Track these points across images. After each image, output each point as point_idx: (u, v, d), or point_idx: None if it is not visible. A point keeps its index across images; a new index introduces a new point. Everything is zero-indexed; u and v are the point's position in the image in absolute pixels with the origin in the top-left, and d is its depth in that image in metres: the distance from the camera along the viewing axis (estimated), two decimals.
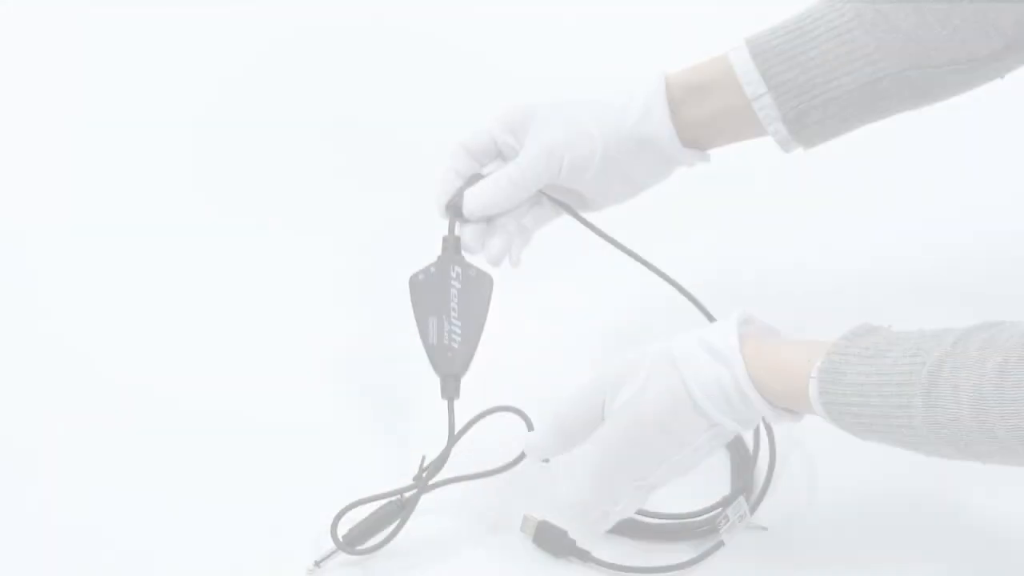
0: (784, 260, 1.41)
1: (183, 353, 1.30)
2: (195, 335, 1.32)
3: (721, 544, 1.12)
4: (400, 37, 1.66)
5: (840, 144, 1.15)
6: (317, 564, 1.09)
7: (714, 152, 1.17)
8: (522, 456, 1.12)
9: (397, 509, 1.11)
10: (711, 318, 1.18)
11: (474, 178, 1.15)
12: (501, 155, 1.17)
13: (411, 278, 1.14)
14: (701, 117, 1.13)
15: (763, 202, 1.46)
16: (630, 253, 1.18)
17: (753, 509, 1.14)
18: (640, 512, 1.12)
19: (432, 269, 1.14)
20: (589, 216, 1.18)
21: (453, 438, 1.11)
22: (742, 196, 1.45)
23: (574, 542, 1.12)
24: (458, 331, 1.12)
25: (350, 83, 1.61)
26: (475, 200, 1.14)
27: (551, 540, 1.12)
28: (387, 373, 1.27)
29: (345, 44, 1.66)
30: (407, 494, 1.11)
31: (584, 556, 1.11)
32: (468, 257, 1.15)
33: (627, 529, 1.13)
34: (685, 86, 1.13)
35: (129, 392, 1.25)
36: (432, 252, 1.16)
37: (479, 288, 1.13)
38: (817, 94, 1.09)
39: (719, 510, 1.13)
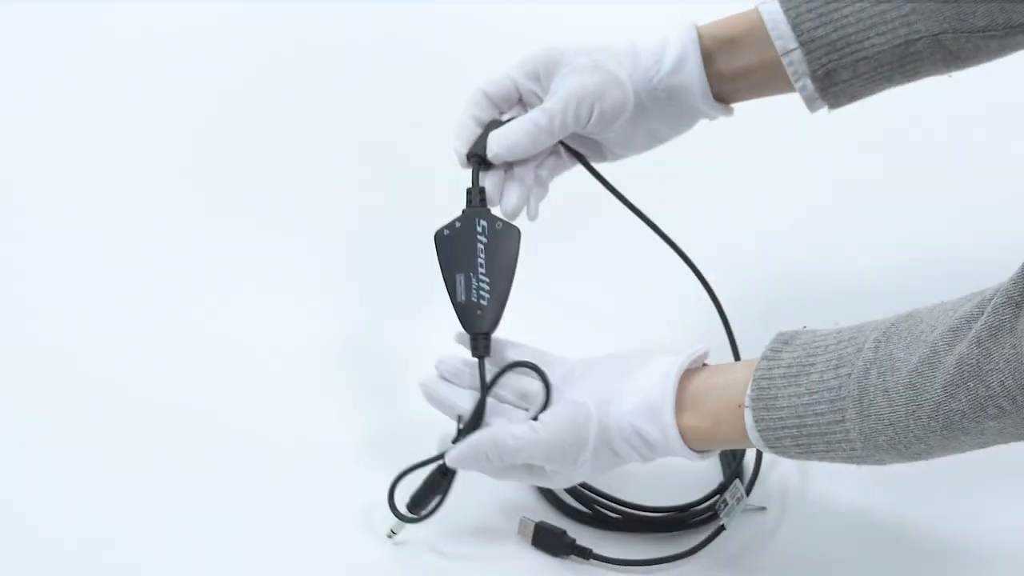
0: (798, 248, 1.41)
1: (206, 343, 1.29)
2: (214, 325, 1.30)
3: (722, 528, 1.12)
4: (386, 28, 1.62)
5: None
6: (394, 532, 1.10)
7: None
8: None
9: (441, 476, 1.09)
10: (716, 300, 1.18)
11: (493, 125, 1.11)
12: (522, 103, 1.13)
13: (436, 233, 1.10)
14: (730, 71, 1.11)
15: (784, 190, 1.46)
16: (639, 214, 1.15)
17: (748, 492, 1.15)
18: (639, 507, 1.14)
19: (457, 224, 1.10)
20: (602, 168, 1.17)
21: (485, 394, 1.09)
22: (761, 182, 1.46)
23: (574, 540, 1.11)
24: (487, 288, 1.09)
25: (337, 76, 1.58)
26: (500, 143, 1.10)
27: (550, 541, 1.11)
28: (405, 341, 1.27)
29: (336, 39, 1.61)
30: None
31: (585, 553, 1.11)
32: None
33: (628, 525, 1.14)
34: (715, 39, 1.11)
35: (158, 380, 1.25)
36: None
37: (506, 242, 1.10)
38: (848, 53, 1.08)
39: (716, 497, 1.13)
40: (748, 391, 0.99)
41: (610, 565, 1.11)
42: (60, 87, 1.54)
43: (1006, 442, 0.95)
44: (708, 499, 1.14)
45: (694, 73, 1.10)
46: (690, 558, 1.11)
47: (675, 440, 1.03)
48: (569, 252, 1.37)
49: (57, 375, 1.24)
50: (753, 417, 0.99)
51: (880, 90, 1.10)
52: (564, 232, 1.34)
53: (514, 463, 1.06)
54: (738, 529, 1.13)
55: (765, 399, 0.98)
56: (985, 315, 0.91)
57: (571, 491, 1.14)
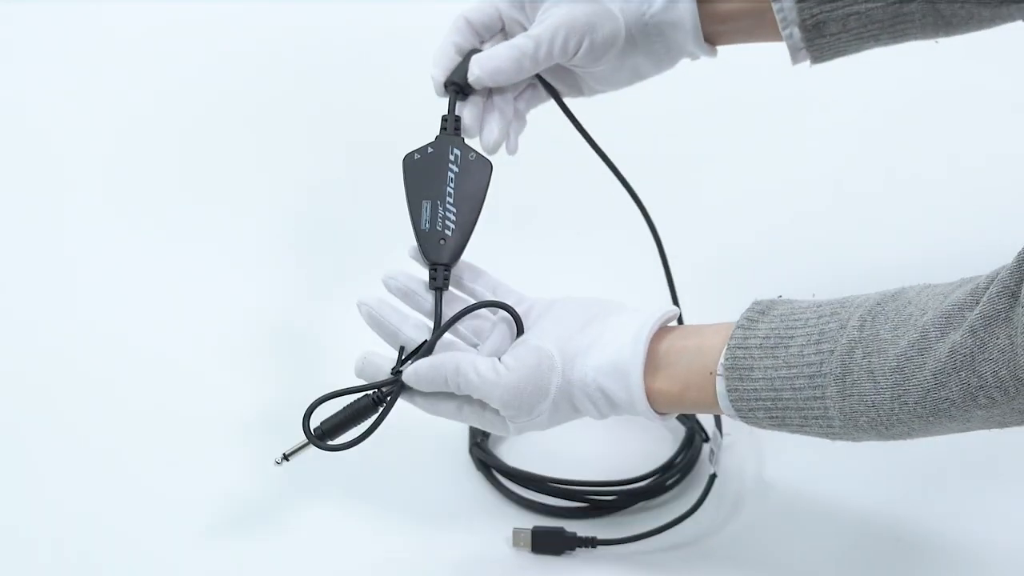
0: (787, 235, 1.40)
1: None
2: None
3: (715, 477, 1.12)
4: (386, 28, 1.63)
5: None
6: (286, 457, 1.04)
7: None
8: None
9: (373, 404, 1.03)
10: (667, 267, 1.16)
11: (473, 54, 1.09)
12: (504, 32, 1.11)
13: (405, 157, 1.07)
14: (721, 13, 1.10)
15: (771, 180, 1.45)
16: (605, 159, 1.13)
17: (719, 431, 1.16)
18: (627, 481, 1.13)
19: (429, 149, 1.07)
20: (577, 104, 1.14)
21: (439, 330, 1.05)
22: (756, 180, 1.45)
23: (575, 534, 1.09)
24: (452, 218, 1.06)
25: (335, 75, 1.59)
26: (482, 67, 1.07)
27: (551, 542, 1.09)
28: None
29: (336, 39, 1.63)
30: (385, 388, 1.04)
31: (592, 542, 1.09)
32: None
33: (618, 503, 1.12)
34: None
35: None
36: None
37: (478, 174, 1.07)
38: (840, 6, 1.06)
39: (688, 449, 1.15)
40: (721, 359, 0.97)
41: (624, 544, 1.08)
42: (60, 87, 1.56)
43: (988, 428, 0.93)
44: (682, 451, 1.15)
45: (687, 11, 1.08)
46: (695, 515, 1.09)
47: (641, 402, 1.00)
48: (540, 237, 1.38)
49: (51, 373, 1.24)
50: (726, 386, 0.97)
51: (865, 49, 1.09)
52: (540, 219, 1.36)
53: (469, 397, 1.03)
54: (722, 474, 1.13)
55: (739, 368, 0.96)
56: (980, 304, 0.89)
57: (564, 490, 1.12)
